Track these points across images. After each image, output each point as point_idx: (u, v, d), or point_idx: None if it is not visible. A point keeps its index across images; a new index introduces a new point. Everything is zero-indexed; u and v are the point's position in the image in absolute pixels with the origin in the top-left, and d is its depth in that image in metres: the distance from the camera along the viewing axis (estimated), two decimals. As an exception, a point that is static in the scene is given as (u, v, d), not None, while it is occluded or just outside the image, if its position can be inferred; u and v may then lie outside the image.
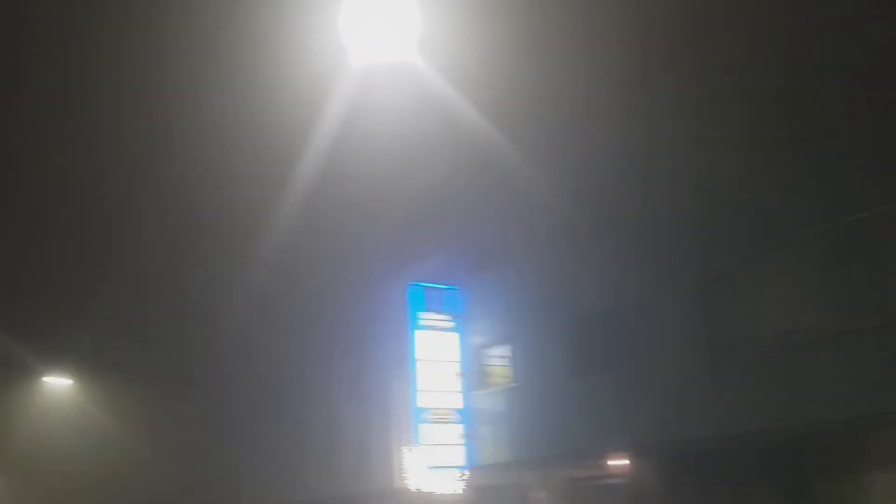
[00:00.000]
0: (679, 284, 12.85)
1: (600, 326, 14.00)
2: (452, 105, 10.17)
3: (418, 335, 16.19)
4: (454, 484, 16.12)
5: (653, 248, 13.31)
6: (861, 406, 10.45)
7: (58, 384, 25.19)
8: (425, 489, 16.13)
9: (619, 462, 14.26)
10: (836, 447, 11.39)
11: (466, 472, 16.10)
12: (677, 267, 12.92)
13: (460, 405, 16.19)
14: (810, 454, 11.65)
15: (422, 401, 15.83)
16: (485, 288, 16.55)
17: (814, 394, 10.89)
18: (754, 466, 12.09)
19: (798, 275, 11.31)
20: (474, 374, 16.48)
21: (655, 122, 11.70)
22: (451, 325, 16.56)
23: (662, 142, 12.17)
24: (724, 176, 12.09)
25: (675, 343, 12.83)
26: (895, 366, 10.10)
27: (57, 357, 23.17)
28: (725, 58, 11.24)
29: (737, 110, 11.64)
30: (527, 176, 12.37)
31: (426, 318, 16.32)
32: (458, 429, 16.05)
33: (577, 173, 12.68)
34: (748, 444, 11.96)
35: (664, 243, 13.12)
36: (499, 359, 16.38)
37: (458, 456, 15.96)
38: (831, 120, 10.94)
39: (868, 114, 10.58)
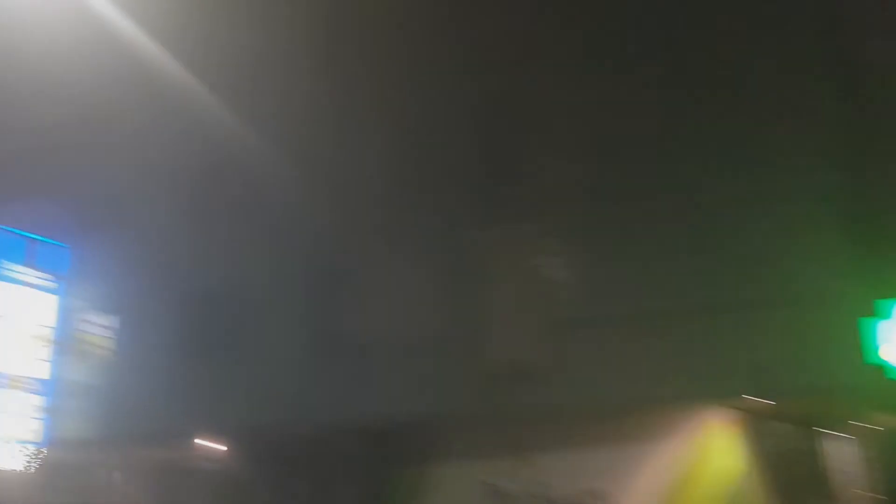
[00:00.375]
0: (293, 275, 13.04)
1: (212, 306, 13.58)
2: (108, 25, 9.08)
3: (-5, 287, 14.10)
4: (24, 460, 14.37)
5: (274, 236, 13.31)
6: (429, 405, 11.52)
7: None
8: (-12, 465, 14.16)
9: (213, 445, 13.93)
10: (412, 440, 12.35)
11: (41, 449, 14.46)
12: (295, 257, 13.10)
13: (45, 374, 14.52)
14: (391, 445, 12.48)
15: (-11, 364, 13.88)
16: (96, 248, 15.09)
17: (397, 392, 11.78)
18: (342, 454, 12.62)
19: (402, 283, 12.05)
20: (70, 342, 14.94)
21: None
22: (50, 284, 14.83)
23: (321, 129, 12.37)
24: (362, 178, 12.65)
25: (283, 331, 12.97)
26: (459, 375, 11.23)
27: None
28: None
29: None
30: (168, 126, 11.55)
31: (17, 270, 14.39)
32: (37, 399, 14.39)
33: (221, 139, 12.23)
34: (341, 433, 12.44)
35: (289, 233, 13.19)
36: (101, 328, 15.06)
37: (34, 430, 14.29)
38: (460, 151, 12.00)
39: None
